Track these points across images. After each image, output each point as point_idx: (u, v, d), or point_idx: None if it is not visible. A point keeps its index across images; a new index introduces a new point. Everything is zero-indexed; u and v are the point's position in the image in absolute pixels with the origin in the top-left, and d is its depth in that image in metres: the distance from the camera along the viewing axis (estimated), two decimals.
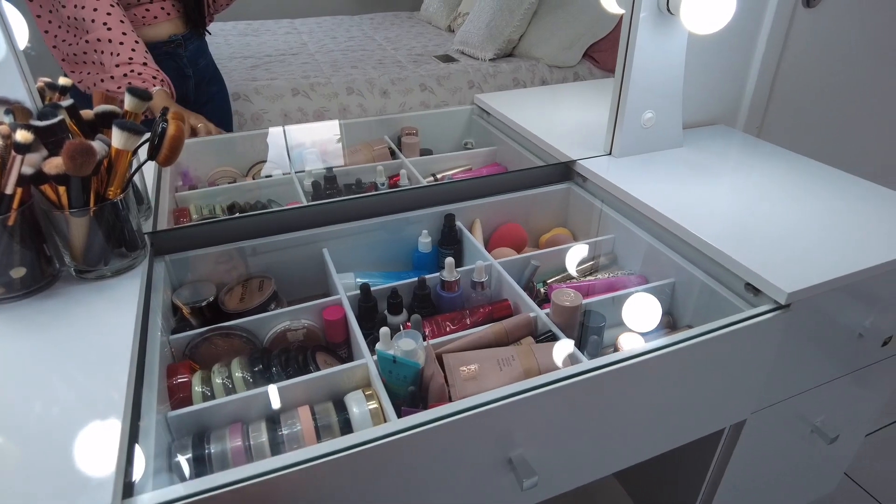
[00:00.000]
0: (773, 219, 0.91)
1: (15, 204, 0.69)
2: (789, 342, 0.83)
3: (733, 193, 0.99)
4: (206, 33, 1.36)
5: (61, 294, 0.75)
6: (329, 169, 1.19)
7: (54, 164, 0.68)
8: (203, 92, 1.37)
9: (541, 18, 2.10)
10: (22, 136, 0.64)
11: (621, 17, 1.04)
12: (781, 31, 1.31)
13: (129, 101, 0.80)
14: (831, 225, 0.90)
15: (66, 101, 0.77)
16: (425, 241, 1.02)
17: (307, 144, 1.35)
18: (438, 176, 1.28)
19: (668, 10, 0.98)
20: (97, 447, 0.54)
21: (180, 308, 0.88)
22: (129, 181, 0.78)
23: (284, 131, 1.40)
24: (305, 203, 1.08)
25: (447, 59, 1.97)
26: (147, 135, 0.76)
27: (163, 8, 1.23)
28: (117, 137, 0.72)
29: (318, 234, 0.97)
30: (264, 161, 1.28)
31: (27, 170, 0.67)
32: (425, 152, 1.37)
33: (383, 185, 1.20)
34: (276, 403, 0.70)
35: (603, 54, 2.05)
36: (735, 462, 0.95)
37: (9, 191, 0.67)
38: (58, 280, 0.78)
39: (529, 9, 2.07)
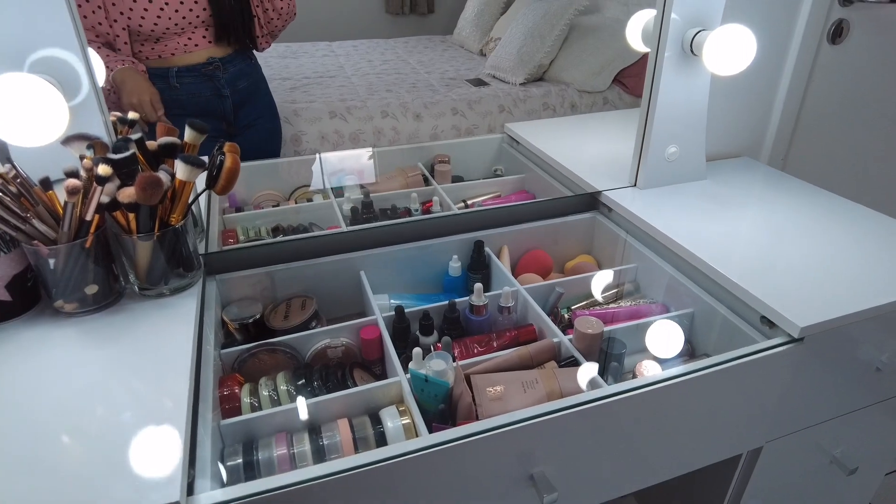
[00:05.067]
0: (792, 253, 0.95)
1: (92, 228, 0.77)
2: (803, 374, 0.86)
3: (754, 226, 1.03)
4: (249, 58, 1.43)
5: (127, 310, 0.83)
6: (367, 195, 1.26)
7: (127, 194, 0.76)
8: (246, 114, 1.44)
9: (571, 44, 2.16)
10: (103, 169, 0.73)
11: None
12: (806, 66, 1.35)
13: (188, 135, 0.88)
14: (850, 260, 0.93)
15: (135, 135, 0.86)
16: (455, 266, 1.08)
17: (345, 170, 1.43)
18: (469, 202, 1.34)
19: (692, 51, 1.03)
20: (164, 449, 0.60)
21: (227, 324, 0.95)
22: (188, 208, 0.86)
23: (323, 157, 1.47)
24: (344, 227, 1.15)
25: (478, 82, 2.04)
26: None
27: (204, 36, 1.30)
28: (182, 170, 0.80)
29: (356, 257, 1.04)
30: (306, 185, 1.35)
31: (105, 199, 0.76)
32: (456, 179, 1.43)
33: (416, 210, 1.26)
34: (317, 416, 0.77)
35: (632, 80, 2.10)
36: (752, 489, 0.98)
37: (88, 217, 0.76)
38: (122, 297, 0.86)
39: (560, 35, 2.14)
